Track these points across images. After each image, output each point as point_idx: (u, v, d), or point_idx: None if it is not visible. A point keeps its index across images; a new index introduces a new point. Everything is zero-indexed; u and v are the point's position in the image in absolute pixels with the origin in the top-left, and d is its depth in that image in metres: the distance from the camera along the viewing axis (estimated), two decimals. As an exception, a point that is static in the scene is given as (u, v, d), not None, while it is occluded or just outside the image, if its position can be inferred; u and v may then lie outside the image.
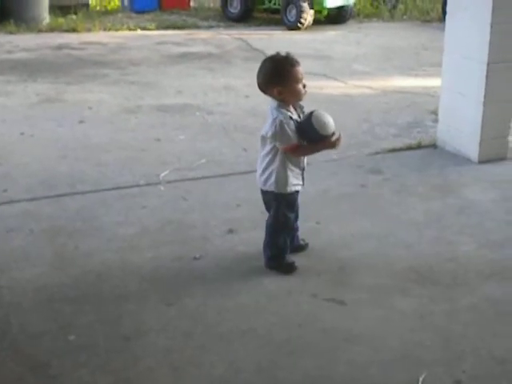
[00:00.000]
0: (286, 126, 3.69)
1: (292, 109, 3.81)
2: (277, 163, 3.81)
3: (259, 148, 3.93)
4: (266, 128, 3.78)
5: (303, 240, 4.23)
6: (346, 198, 5.03)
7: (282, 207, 3.91)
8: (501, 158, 5.79)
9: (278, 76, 3.73)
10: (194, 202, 4.98)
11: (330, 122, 3.75)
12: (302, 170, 3.93)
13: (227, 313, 3.56)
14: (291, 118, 3.75)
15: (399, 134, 6.66)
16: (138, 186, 5.26)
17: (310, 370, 3.11)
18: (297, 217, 4.08)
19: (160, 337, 3.35)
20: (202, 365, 3.13)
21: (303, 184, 3.96)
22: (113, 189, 5.19)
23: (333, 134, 3.78)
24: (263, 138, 3.84)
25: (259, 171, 3.93)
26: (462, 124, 5.86)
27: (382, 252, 4.21)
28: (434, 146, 6.20)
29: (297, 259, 4.05)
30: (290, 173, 3.84)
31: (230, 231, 4.47)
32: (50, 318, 3.51)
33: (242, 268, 4.02)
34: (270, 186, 3.87)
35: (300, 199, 4.02)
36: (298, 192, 3.94)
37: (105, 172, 5.54)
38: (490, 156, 5.74)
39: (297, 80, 3.73)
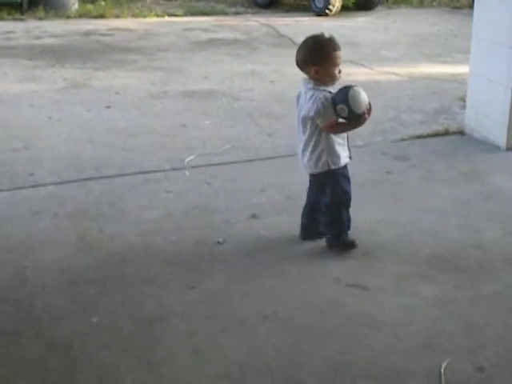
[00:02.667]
0: (327, 102, 3.70)
1: (329, 87, 3.82)
2: (324, 142, 3.82)
3: (299, 132, 3.91)
4: (308, 107, 3.76)
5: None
6: (372, 184, 5.00)
7: (340, 182, 3.91)
8: (529, 145, 5.72)
9: (319, 57, 3.75)
10: (218, 187, 4.98)
11: (365, 99, 3.76)
12: (347, 141, 3.95)
13: (249, 297, 3.55)
14: (330, 93, 3.77)
15: (426, 121, 6.60)
16: (163, 170, 5.27)
17: (331, 355, 3.09)
18: None
19: (182, 320, 3.36)
20: (222, 348, 3.13)
21: (350, 156, 3.97)
22: (138, 173, 5.20)
23: (364, 112, 3.79)
24: (304, 120, 3.82)
25: (306, 156, 3.90)
26: (490, 110, 5.80)
27: (406, 239, 4.17)
28: (461, 132, 6.13)
29: (321, 244, 4.04)
30: (338, 147, 3.85)
31: (254, 216, 4.46)
32: (73, 299, 3.53)
33: (265, 253, 4.01)
34: (324, 166, 3.86)
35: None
36: (346, 166, 3.96)
37: (130, 156, 5.56)
38: (519, 143, 5.67)
39: (335, 64, 3.76)
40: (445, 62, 9.34)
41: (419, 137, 6.07)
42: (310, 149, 3.87)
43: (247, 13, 14.17)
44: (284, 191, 4.86)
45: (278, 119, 6.68)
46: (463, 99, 6.53)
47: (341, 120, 3.78)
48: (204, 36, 11.30)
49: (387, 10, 14.89)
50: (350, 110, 3.70)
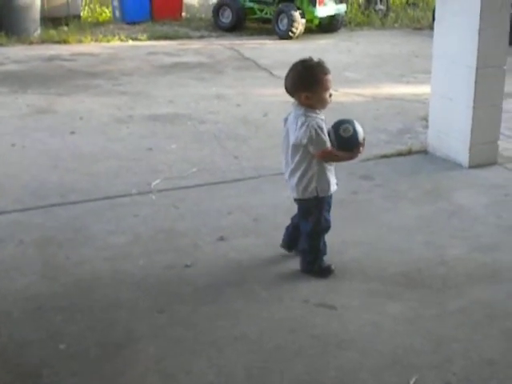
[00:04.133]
0: (320, 130, 3.71)
1: (319, 112, 3.82)
2: (315, 167, 3.81)
3: (287, 158, 3.89)
4: (300, 135, 3.73)
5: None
6: (338, 204, 4.98)
7: (323, 211, 3.94)
8: (491, 163, 5.81)
9: (309, 82, 3.73)
10: (185, 210, 4.98)
11: (363, 131, 3.85)
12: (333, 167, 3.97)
13: (218, 319, 3.56)
14: (322, 120, 3.78)
15: (390, 141, 6.68)
16: (129, 195, 5.26)
17: (300, 375, 3.11)
18: None
19: (151, 344, 3.35)
20: (192, 371, 3.13)
21: (337, 182, 3.99)
22: (104, 198, 5.19)
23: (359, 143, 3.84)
24: (296, 147, 3.79)
25: (294, 181, 3.87)
26: (451, 129, 5.89)
27: (372, 257, 4.21)
28: (424, 151, 6.22)
29: (289, 265, 4.07)
30: (328, 173, 3.86)
31: (222, 239, 4.47)
32: (40, 327, 3.50)
33: (234, 275, 4.02)
34: (312, 193, 3.86)
35: (292, 205, 4.04)
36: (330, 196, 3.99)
37: (96, 182, 5.54)
38: (480, 161, 5.76)
39: (326, 88, 3.75)
40: (407, 83, 9.47)
41: (384, 156, 6.13)
42: (299, 173, 3.84)
43: (211, 36, 14.22)
44: (251, 213, 4.87)
45: (245, 141, 6.71)
46: (426, 119, 6.62)
47: (333, 149, 3.78)
48: (168, 60, 11.31)
49: (350, 32, 15.05)
50: (354, 131, 3.77)
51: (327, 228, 4.01)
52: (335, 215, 4.79)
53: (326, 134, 3.76)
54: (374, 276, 4.00)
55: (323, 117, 3.83)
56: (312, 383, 3.06)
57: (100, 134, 6.97)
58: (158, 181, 5.51)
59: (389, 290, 3.85)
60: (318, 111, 3.80)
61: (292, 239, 4.17)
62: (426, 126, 6.44)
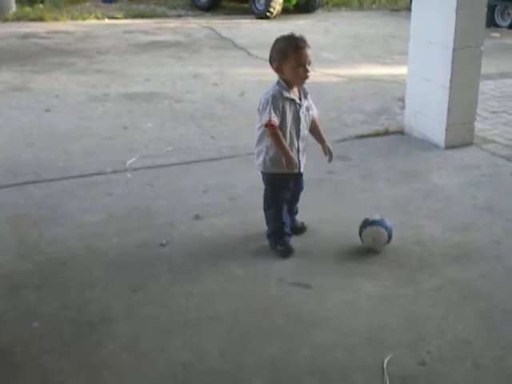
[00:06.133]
0: (272, 101, 3.70)
1: (294, 90, 3.82)
2: (266, 141, 3.82)
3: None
4: (260, 100, 3.80)
5: (302, 223, 4.27)
6: (314, 184, 5.00)
7: (269, 187, 3.96)
8: (467, 144, 5.84)
9: (280, 53, 3.77)
10: (160, 188, 4.95)
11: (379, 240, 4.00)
12: (297, 151, 3.90)
13: (193, 298, 3.54)
14: (285, 97, 3.75)
15: (366, 121, 6.67)
16: (104, 173, 5.22)
17: (274, 354, 3.10)
18: (297, 200, 4.14)
19: (125, 323, 3.33)
20: (166, 350, 3.12)
21: (299, 168, 3.95)
22: (79, 176, 5.14)
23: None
24: (258, 112, 3.82)
25: (255, 151, 3.93)
26: (428, 110, 5.89)
27: (348, 236, 4.20)
28: (401, 132, 6.22)
29: (264, 244, 4.05)
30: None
31: (197, 217, 4.45)
32: (13, 305, 3.47)
33: (209, 254, 4.00)
34: (259, 166, 3.90)
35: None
36: (291, 175, 3.93)
37: (71, 160, 5.48)
38: (457, 141, 5.78)
39: (297, 61, 3.72)
40: (384, 64, 9.46)
41: (360, 137, 6.14)
42: (255, 141, 3.90)
43: (188, 15, 14.11)
44: (227, 192, 4.85)
45: (221, 121, 6.68)
46: (402, 100, 6.62)
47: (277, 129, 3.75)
48: (145, 38, 11.22)
49: (327, 13, 15.00)
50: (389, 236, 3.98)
51: (276, 206, 3.97)
52: (311, 194, 4.79)
53: (278, 109, 3.72)
54: (350, 255, 4.01)
55: (291, 96, 3.78)
56: (287, 362, 3.06)
57: (75, 112, 6.90)
58: (133, 159, 5.47)
59: (364, 269, 3.85)
60: (288, 87, 3.78)
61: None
62: (403, 107, 6.44)
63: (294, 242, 4.08)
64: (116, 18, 13.28)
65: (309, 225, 4.32)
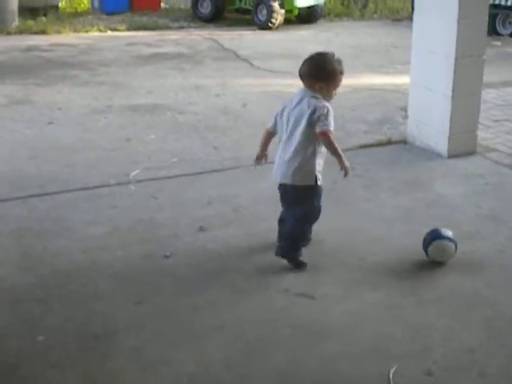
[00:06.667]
0: (330, 114, 3.81)
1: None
2: (318, 155, 3.89)
3: (290, 143, 3.88)
4: (317, 112, 3.78)
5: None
6: (317, 194, 5.03)
7: (319, 198, 3.98)
8: (470, 153, 5.83)
9: (327, 76, 3.87)
10: (164, 200, 4.95)
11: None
12: None
13: (198, 310, 3.54)
14: None
15: (369, 131, 6.68)
16: (107, 185, 5.22)
17: (280, 365, 3.10)
18: None
19: (130, 335, 3.32)
20: (171, 363, 3.11)
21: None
22: (82, 189, 5.14)
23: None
24: (303, 130, 3.81)
25: (294, 166, 3.88)
26: (431, 119, 5.90)
27: (352, 247, 4.21)
28: (404, 141, 6.23)
29: (269, 255, 4.05)
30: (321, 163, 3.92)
31: (201, 229, 4.45)
32: (18, 318, 3.47)
33: (213, 265, 4.00)
34: (312, 179, 3.91)
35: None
36: None
37: (74, 173, 5.49)
38: (459, 150, 5.78)
39: (337, 85, 3.91)
40: (387, 73, 9.48)
41: (363, 146, 6.14)
42: (299, 159, 3.86)
43: (190, 27, 14.16)
44: (231, 204, 4.86)
45: (224, 132, 6.69)
46: (405, 109, 6.63)
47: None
48: (147, 50, 11.25)
49: (329, 23, 15.05)
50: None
51: (318, 217, 4.03)
52: (315, 205, 4.79)
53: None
54: (354, 265, 4.00)
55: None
56: (293, 373, 3.05)
57: (78, 124, 6.92)
58: (136, 171, 5.48)
59: (368, 278, 3.85)
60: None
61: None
62: (406, 116, 6.45)
63: (298, 252, 4.09)
64: (118, 31, 13.33)
65: (313, 235, 4.31)
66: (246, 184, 5.21)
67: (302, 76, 3.94)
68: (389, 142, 6.22)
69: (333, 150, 3.85)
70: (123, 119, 7.11)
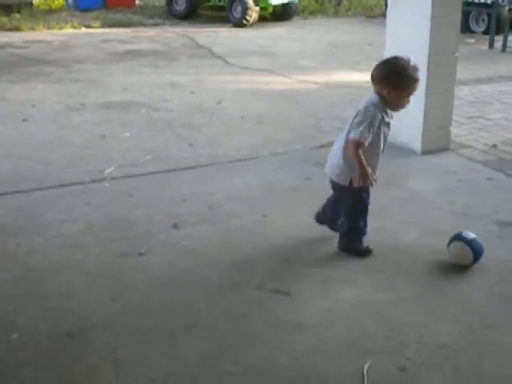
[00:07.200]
0: (371, 122, 3.71)
1: (389, 111, 3.85)
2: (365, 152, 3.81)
3: (339, 137, 3.97)
4: (355, 114, 3.80)
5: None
6: (292, 190, 5.05)
7: (354, 197, 3.98)
8: (443, 149, 5.88)
9: (399, 82, 3.75)
10: (139, 198, 4.94)
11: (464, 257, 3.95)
12: (375, 169, 3.96)
13: (172, 307, 3.53)
14: (383, 118, 3.79)
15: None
16: (82, 183, 5.20)
17: (254, 361, 3.10)
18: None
19: (104, 333, 3.31)
20: (146, 360, 3.10)
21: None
22: (56, 186, 5.11)
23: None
24: (352, 122, 3.81)
25: (333, 160, 3.95)
26: (404, 116, 5.83)
27: (327, 243, 4.22)
28: (378, 138, 6.24)
29: (243, 251, 4.06)
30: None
31: (176, 226, 4.44)
32: (-9, 317, 3.44)
33: (187, 262, 4.00)
34: (344, 180, 3.92)
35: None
36: None
37: (48, 170, 5.46)
38: (433, 147, 5.82)
39: (410, 93, 3.79)
40: (361, 70, 9.48)
41: (338, 143, 6.14)
42: (339, 156, 3.90)
43: (165, 24, 14.13)
44: (205, 200, 4.85)
45: (199, 129, 6.68)
46: (379, 106, 6.65)
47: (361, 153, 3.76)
48: (122, 47, 11.21)
49: (304, 20, 15.08)
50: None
51: (363, 210, 4.05)
52: (288, 201, 4.82)
53: (373, 132, 3.76)
54: (328, 261, 4.02)
55: (388, 120, 3.85)
56: (266, 369, 3.05)
57: (52, 121, 6.88)
58: (111, 168, 5.46)
59: (343, 275, 3.86)
60: (388, 110, 3.83)
61: (325, 215, 4.24)
62: (380, 113, 6.47)
63: (271, 249, 4.10)
64: (93, 27, 13.27)
65: (286, 232, 4.33)
66: (220, 181, 5.21)
67: (372, 79, 3.84)
68: (363, 139, 6.24)
69: (354, 160, 3.79)
70: (98, 116, 7.08)
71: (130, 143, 6.20)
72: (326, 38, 12.56)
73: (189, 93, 8.13)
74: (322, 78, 9.04)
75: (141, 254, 4.07)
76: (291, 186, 5.11)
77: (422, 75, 5.50)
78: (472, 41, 12.24)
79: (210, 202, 4.83)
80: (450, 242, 3.99)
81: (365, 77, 8.77)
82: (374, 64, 3.96)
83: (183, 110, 7.38)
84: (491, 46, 11.88)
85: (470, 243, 3.92)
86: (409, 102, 3.83)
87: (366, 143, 3.74)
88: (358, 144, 3.73)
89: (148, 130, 6.63)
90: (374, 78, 3.83)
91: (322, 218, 4.27)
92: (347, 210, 4.05)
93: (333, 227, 4.24)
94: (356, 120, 3.77)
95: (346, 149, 3.85)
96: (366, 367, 3.05)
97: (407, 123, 5.88)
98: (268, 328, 3.35)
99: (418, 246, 4.21)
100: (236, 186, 5.07)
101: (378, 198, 4.92)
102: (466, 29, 12.88)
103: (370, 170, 3.79)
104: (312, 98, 7.97)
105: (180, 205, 4.79)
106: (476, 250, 3.92)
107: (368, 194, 4.02)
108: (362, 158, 3.75)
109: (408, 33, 5.69)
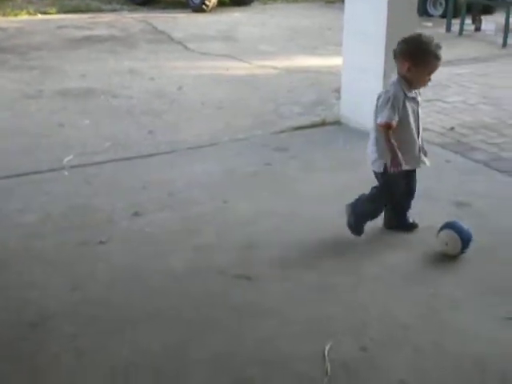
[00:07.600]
0: (393, 101, 3.72)
1: (410, 90, 3.84)
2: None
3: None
4: (377, 96, 3.86)
5: (414, 220, 4.25)
6: (252, 176, 5.05)
7: (389, 184, 3.99)
8: (402, 132, 5.91)
9: (421, 58, 3.74)
10: (99, 186, 4.90)
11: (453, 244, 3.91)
12: (419, 149, 3.98)
13: (133, 296, 3.51)
14: (405, 94, 3.78)
15: (304, 113, 6.72)
16: (40, 172, 5.13)
17: (217, 347, 3.11)
18: (412, 196, 4.17)
19: (65, 322, 3.28)
20: (107, 349, 3.09)
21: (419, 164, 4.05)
22: (14, 176, 5.05)
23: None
24: (376, 110, 3.86)
25: (369, 149, 4.00)
26: (363, 99, 5.93)
27: (287, 227, 4.23)
28: (338, 122, 6.29)
29: (205, 238, 4.06)
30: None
31: (137, 214, 4.42)
32: (-51, 309, 3.40)
33: (149, 250, 3.98)
34: (379, 167, 3.94)
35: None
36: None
37: (5, 159, 5.38)
38: (393, 130, 5.84)
39: (430, 71, 3.77)
40: (320, 55, 9.53)
41: (298, 128, 6.17)
42: (374, 143, 3.94)
43: (123, 10, 13.99)
44: (166, 188, 4.83)
45: (159, 116, 6.64)
46: (339, 90, 6.68)
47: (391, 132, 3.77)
48: (79, 33, 11.07)
49: (263, 5, 15.05)
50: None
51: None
52: (249, 186, 4.83)
53: (399, 108, 3.76)
54: (290, 246, 4.02)
55: (412, 95, 3.85)
56: (230, 354, 3.06)
57: (8, 109, 6.78)
58: (70, 157, 5.40)
59: (305, 259, 3.88)
60: (409, 87, 3.82)
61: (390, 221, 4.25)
62: (339, 97, 6.50)
63: (233, 235, 4.10)
64: (49, 14, 13.09)
65: (247, 217, 4.33)
66: (181, 168, 5.19)
67: (394, 56, 3.83)
68: (323, 124, 6.28)
69: (385, 143, 3.81)
70: (55, 104, 6.99)
71: (89, 131, 6.13)
72: (286, 22, 12.55)
73: (148, 79, 8.07)
74: (282, 63, 9.04)
75: (101, 242, 4.04)
76: (251, 172, 5.11)
77: (380, 58, 5.60)
78: (430, 24, 12.33)
79: (171, 188, 4.80)
80: (441, 229, 3.98)
81: (324, 61, 8.90)
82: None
83: (143, 96, 7.33)
84: (448, 29, 11.99)
85: (460, 233, 3.89)
86: (430, 80, 3.83)
87: (394, 123, 3.76)
88: (386, 126, 3.76)
89: (107, 117, 6.57)
90: (396, 54, 3.84)
91: (389, 222, 4.25)
92: (376, 194, 4.06)
93: (403, 222, 4.23)
94: (379, 104, 3.82)
95: (376, 137, 3.89)
96: (326, 348, 3.07)
97: (367, 106, 5.82)
98: (231, 313, 3.36)
99: (379, 229, 4.23)
100: (196, 173, 5.05)
101: (338, 180, 4.98)
102: (423, 12, 12.97)
103: (400, 156, 3.79)
104: (272, 83, 7.96)
105: (140, 192, 4.76)
106: (465, 241, 3.90)
107: (401, 183, 4.03)
108: (395, 144, 3.77)
109: (365, 17, 5.72)
